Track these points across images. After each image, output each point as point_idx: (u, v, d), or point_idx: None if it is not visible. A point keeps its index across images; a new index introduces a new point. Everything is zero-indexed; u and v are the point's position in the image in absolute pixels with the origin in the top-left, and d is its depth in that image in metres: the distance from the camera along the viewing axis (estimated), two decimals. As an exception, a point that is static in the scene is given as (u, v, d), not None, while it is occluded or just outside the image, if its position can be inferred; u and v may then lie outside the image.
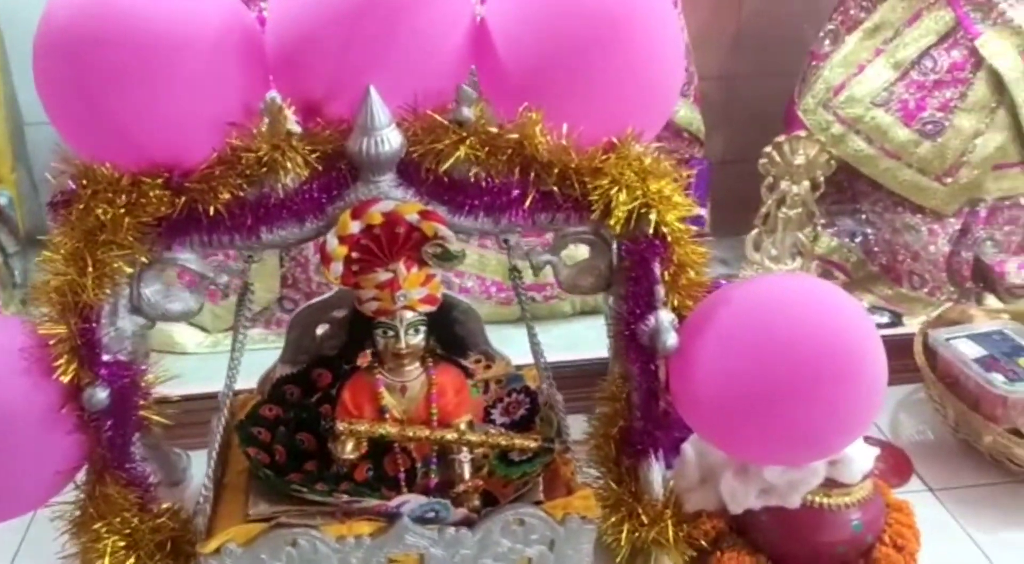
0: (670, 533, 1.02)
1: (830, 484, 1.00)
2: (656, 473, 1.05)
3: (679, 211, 0.96)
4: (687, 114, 1.60)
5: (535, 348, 1.07)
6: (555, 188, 0.93)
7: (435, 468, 1.02)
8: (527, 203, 0.93)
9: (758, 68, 1.82)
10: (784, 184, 1.58)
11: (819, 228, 1.62)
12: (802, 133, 1.55)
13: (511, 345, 1.16)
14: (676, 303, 0.98)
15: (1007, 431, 1.17)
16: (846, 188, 1.69)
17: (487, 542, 0.95)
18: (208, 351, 1.50)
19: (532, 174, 0.93)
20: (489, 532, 0.94)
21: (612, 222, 0.93)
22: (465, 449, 1.01)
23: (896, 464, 1.24)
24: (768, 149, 1.57)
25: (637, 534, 1.03)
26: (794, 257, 1.64)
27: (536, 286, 1.53)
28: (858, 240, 1.72)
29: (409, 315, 0.97)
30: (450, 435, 0.99)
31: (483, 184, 0.93)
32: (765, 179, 1.59)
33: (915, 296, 1.67)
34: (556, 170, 0.92)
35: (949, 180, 1.55)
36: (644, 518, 1.03)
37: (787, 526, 1.02)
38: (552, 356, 1.06)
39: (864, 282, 1.71)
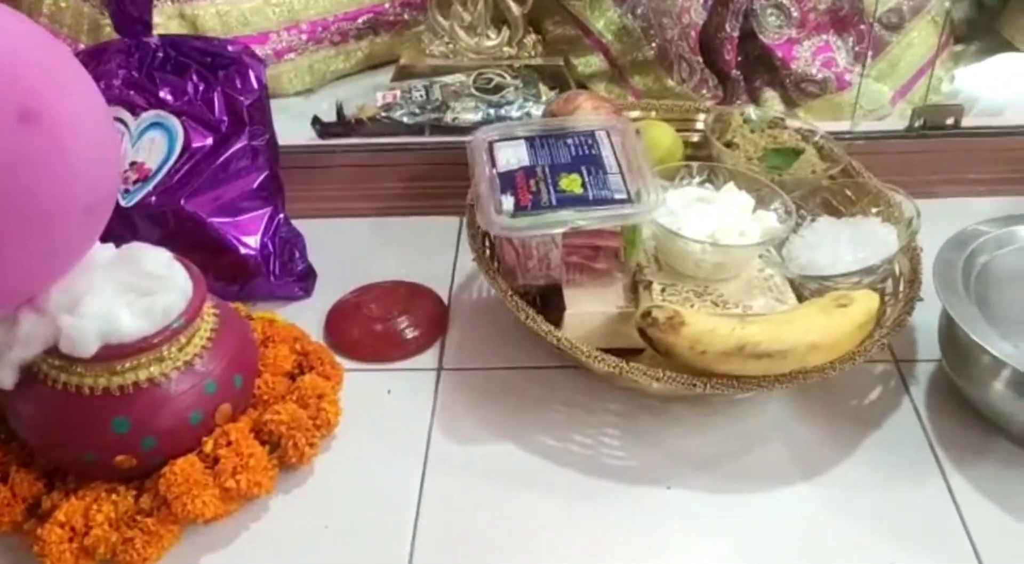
0: None
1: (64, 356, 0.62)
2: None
3: None
4: None
5: None
6: None
7: None
8: None
9: None
10: (465, -90, 1.09)
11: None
12: None
13: None
14: None
15: (534, 290, 0.73)
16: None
17: None
18: None
19: None
20: None
21: None
22: None
23: (423, 327, 0.83)
24: None
25: None
26: (499, 27, 1.16)
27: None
28: (640, 11, 1.21)
29: None
30: None
31: None
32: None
33: (679, 92, 1.17)
34: None
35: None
36: None
37: (30, 415, 0.65)
38: None
39: (628, 71, 1.21)
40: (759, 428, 0.73)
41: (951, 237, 0.73)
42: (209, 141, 0.83)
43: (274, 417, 0.69)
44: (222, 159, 0.83)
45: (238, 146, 0.83)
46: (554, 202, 0.71)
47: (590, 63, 1.22)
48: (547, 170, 0.74)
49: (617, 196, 0.71)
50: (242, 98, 0.83)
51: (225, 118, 0.83)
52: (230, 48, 0.86)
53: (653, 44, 1.19)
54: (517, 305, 0.71)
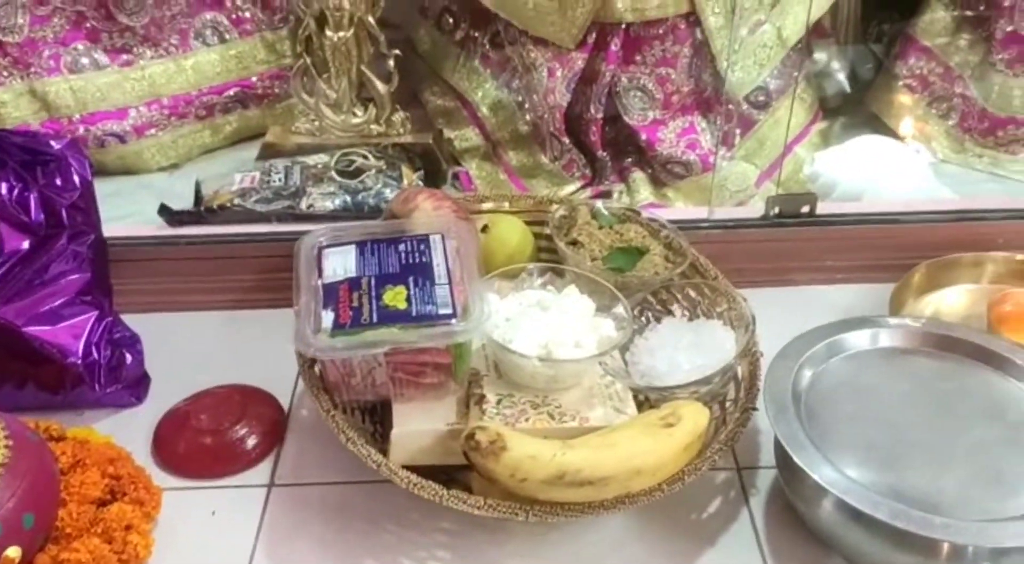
0: None
1: None
2: None
3: None
4: None
5: None
6: None
7: None
8: None
9: None
10: (322, -9, 1.06)
11: (392, 61, 1.09)
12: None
13: None
14: None
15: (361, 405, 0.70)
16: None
17: None
18: None
19: None
20: None
21: None
22: None
23: (257, 438, 0.79)
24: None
25: None
26: (366, 105, 1.13)
27: None
28: (515, 85, 1.20)
29: None
30: None
31: None
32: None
33: (551, 169, 1.16)
34: None
35: (558, -8, 1.01)
36: None
37: None
38: None
39: (503, 147, 1.19)
40: (596, 547, 0.70)
41: (782, 348, 0.72)
42: (25, 245, 0.78)
43: (71, 556, 0.64)
44: (39, 263, 0.78)
45: (57, 249, 0.79)
46: (375, 319, 0.68)
47: (466, 137, 1.21)
48: (372, 282, 0.71)
49: (442, 312, 0.68)
50: (61, 198, 0.79)
51: (42, 219, 0.79)
52: (54, 144, 0.81)
53: (528, 118, 1.18)
54: (338, 426, 0.68)
